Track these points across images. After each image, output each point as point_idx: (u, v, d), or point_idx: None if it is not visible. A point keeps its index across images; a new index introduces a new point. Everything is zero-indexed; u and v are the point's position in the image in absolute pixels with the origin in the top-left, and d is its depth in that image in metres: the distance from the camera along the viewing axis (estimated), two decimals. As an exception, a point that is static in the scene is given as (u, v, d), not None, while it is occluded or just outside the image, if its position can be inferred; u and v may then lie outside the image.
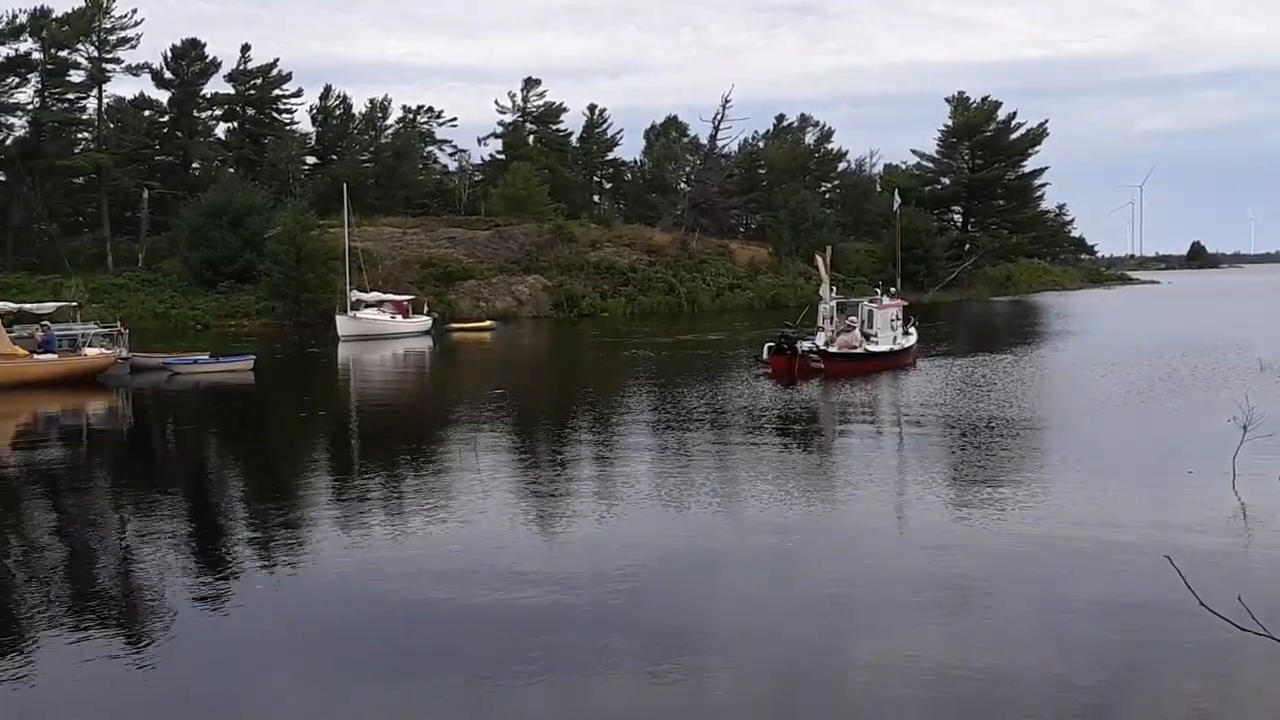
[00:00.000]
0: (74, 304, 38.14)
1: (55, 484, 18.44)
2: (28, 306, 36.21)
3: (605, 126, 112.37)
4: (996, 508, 14.64)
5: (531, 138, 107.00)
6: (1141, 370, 31.33)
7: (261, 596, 11.42)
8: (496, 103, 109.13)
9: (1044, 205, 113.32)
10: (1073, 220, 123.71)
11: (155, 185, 78.49)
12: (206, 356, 36.76)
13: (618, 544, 13.08)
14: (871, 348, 32.87)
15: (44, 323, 33.86)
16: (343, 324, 52.39)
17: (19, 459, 21.20)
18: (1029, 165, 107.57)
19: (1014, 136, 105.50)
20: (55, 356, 32.23)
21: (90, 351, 33.39)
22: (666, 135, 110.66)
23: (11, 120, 75.90)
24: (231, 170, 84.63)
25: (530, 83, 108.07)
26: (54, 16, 73.31)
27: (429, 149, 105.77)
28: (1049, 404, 25.81)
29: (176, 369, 35.14)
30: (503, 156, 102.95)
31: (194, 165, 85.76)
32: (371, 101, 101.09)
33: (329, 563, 12.56)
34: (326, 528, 14.22)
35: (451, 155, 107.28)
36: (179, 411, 29.67)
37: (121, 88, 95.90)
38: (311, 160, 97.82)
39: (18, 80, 74.51)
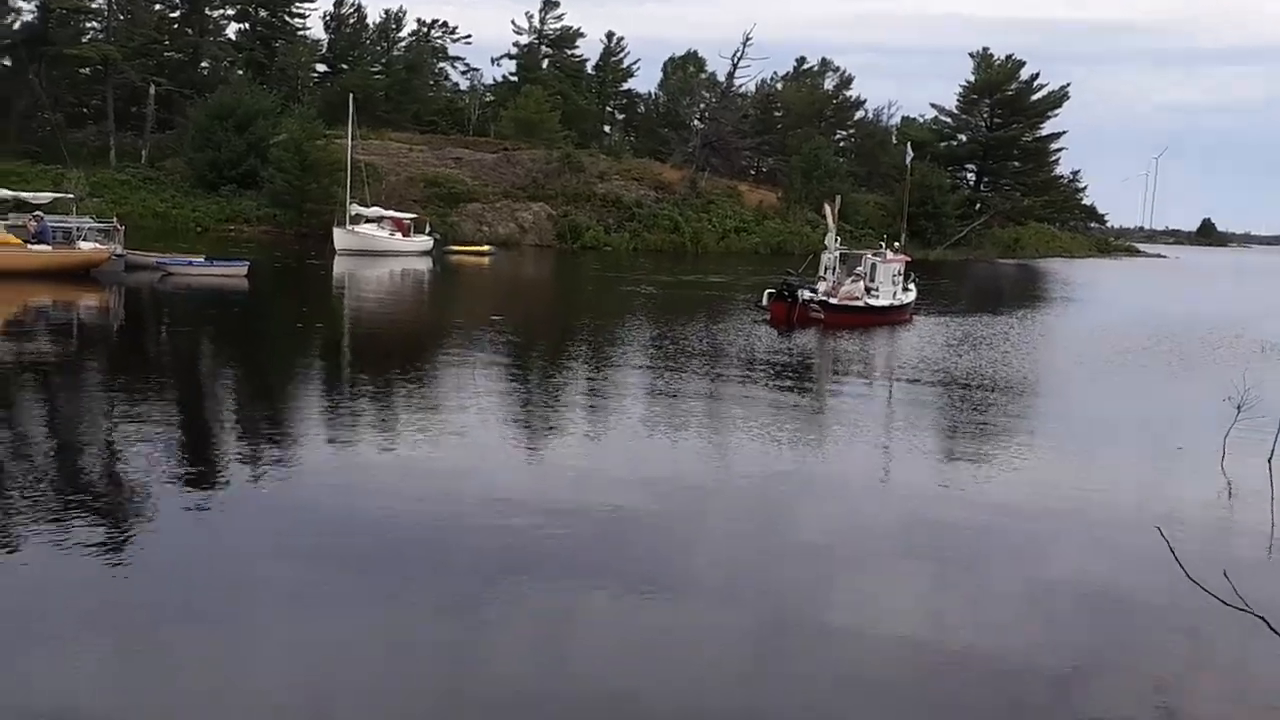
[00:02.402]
0: (71, 196, 37.66)
1: (42, 376, 18.34)
2: (24, 195, 35.71)
3: (622, 55, 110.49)
4: (983, 468, 14.63)
5: (546, 61, 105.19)
6: (1141, 343, 31.16)
7: (245, 500, 11.42)
8: (513, 22, 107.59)
9: (1058, 170, 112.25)
10: (1086, 187, 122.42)
11: (162, 82, 77.12)
12: (201, 259, 36.48)
13: (604, 475, 13.18)
14: (872, 301, 32.63)
15: (38, 213, 33.41)
16: (340, 237, 51.85)
17: (6, 349, 21.04)
18: (1047, 128, 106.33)
19: (1035, 98, 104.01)
20: (49, 248, 31.90)
21: (85, 245, 33.08)
22: (684, 70, 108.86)
23: (20, 4, 74.38)
24: (241, 72, 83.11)
25: (549, 4, 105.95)
26: (67, -98, 71.44)
27: (441, 65, 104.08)
28: (1044, 369, 25.69)
29: (170, 269, 34.87)
30: (515, 79, 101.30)
31: (203, 64, 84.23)
32: (386, 12, 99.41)
33: (315, 471, 12.60)
34: (314, 437, 14.26)
35: (464, 74, 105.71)
36: (171, 312, 29.50)
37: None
38: (322, 68, 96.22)
39: (28, -36, 72.81)
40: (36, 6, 73.78)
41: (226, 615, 8.35)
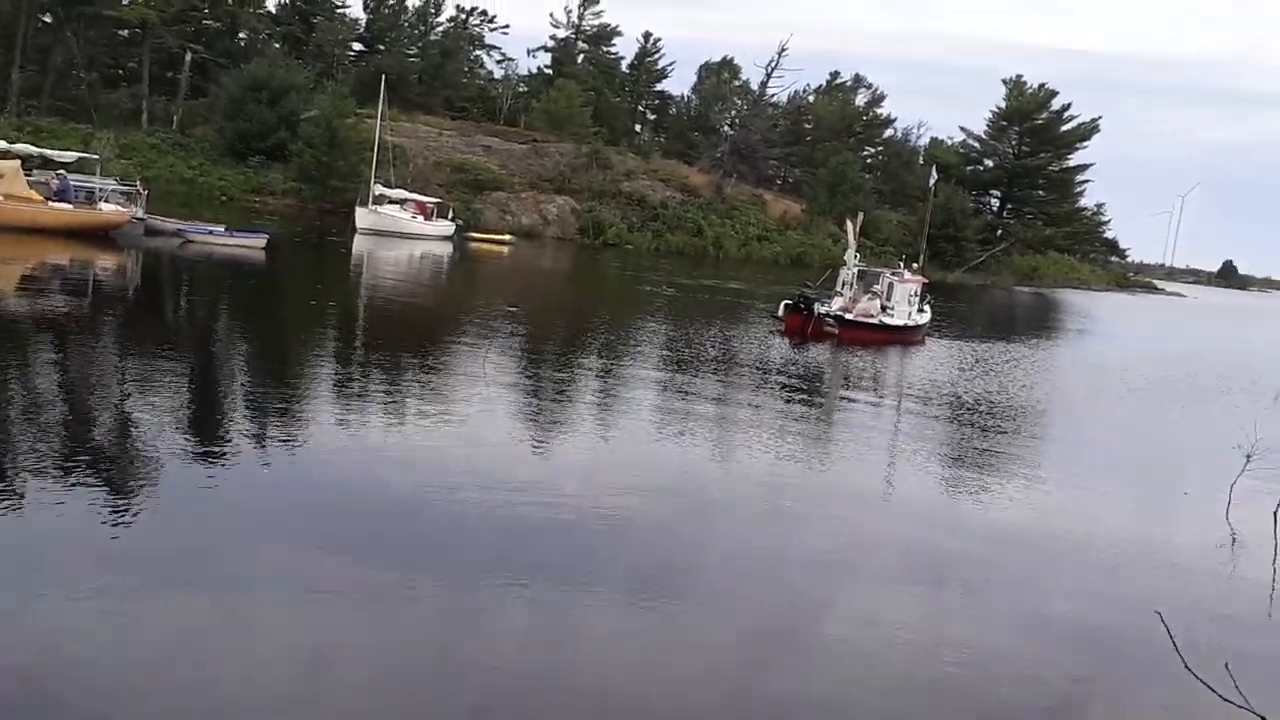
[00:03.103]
0: (96, 157, 37.81)
1: (54, 335, 18.44)
2: (50, 153, 35.84)
3: (658, 56, 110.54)
4: (987, 496, 14.56)
5: (581, 56, 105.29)
6: (1153, 382, 31.00)
7: (251, 470, 11.43)
8: (551, 15, 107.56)
9: (1083, 202, 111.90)
10: (1109, 220, 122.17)
11: (199, 49, 77.54)
12: (222, 229, 36.61)
13: (610, 475, 13.16)
14: (887, 320, 32.54)
15: (61, 171, 33.50)
16: (361, 216, 51.97)
17: (21, 305, 21.18)
18: (1075, 159, 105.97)
19: (1064, 128, 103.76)
20: (70, 207, 32.00)
21: (106, 207, 33.17)
22: (718, 75, 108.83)
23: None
24: (277, 45, 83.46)
25: (588, 0, 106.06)
26: None
27: (477, 52, 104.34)
28: (1055, 400, 25.55)
29: (191, 237, 35.01)
30: (550, 71, 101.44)
31: (240, 35, 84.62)
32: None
33: (323, 447, 12.61)
34: (324, 413, 14.32)
35: (499, 63, 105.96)
36: (186, 279, 29.62)
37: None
38: (358, 47, 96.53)
39: (73, -77, 73.15)
40: (80, -34, 74.16)
41: (214, 591, 8.34)
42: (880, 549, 11.64)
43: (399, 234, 52.46)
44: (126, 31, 78.40)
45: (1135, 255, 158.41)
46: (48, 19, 75.95)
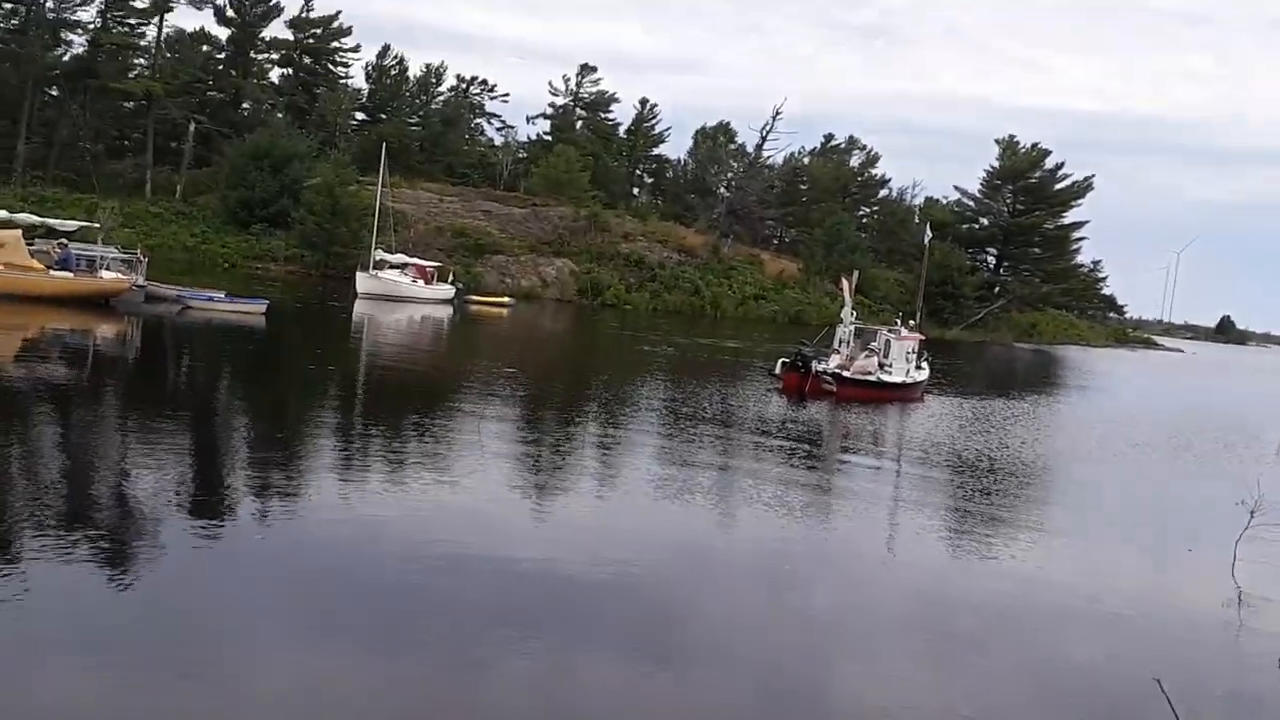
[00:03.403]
0: (97, 225, 38.22)
1: (54, 401, 18.46)
2: (51, 221, 36.35)
3: (654, 121, 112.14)
4: (990, 557, 14.42)
5: (580, 123, 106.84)
6: (1154, 438, 30.91)
7: (251, 535, 11.40)
8: (550, 84, 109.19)
9: (1079, 259, 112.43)
10: (1106, 277, 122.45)
11: (203, 120, 78.75)
12: (221, 295, 36.87)
13: (611, 536, 13.11)
14: (885, 377, 32.57)
15: (62, 240, 33.90)
16: (362, 281, 52.33)
17: (22, 372, 21.23)
18: (1070, 217, 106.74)
19: (1058, 186, 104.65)
20: (71, 275, 32.26)
21: (106, 274, 33.43)
22: (714, 139, 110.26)
23: (71, 37, 76.32)
24: (280, 115, 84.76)
25: (585, 69, 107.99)
26: (126, -61, 73.62)
27: (477, 120, 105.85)
28: (1056, 457, 25.46)
29: (190, 303, 35.21)
30: (549, 138, 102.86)
31: (244, 105, 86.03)
32: (427, 66, 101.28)
33: (323, 512, 12.58)
34: (323, 477, 14.31)
35: (499, 129, 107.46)
36: (187, 345, 29.71)
37: (183, 19, 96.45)
38: (361, 116, 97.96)
39: (82, -1, 74.85)
40: (87, 40, 75.70)
41: (218, 657, 8.29)
42: (882, 612, 11.52)
43: (399, 298, 52.77)
44: (132, 103, 79.69)
45: (1133, 311, 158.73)
46: (54, 92, 77.29)
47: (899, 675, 9.54)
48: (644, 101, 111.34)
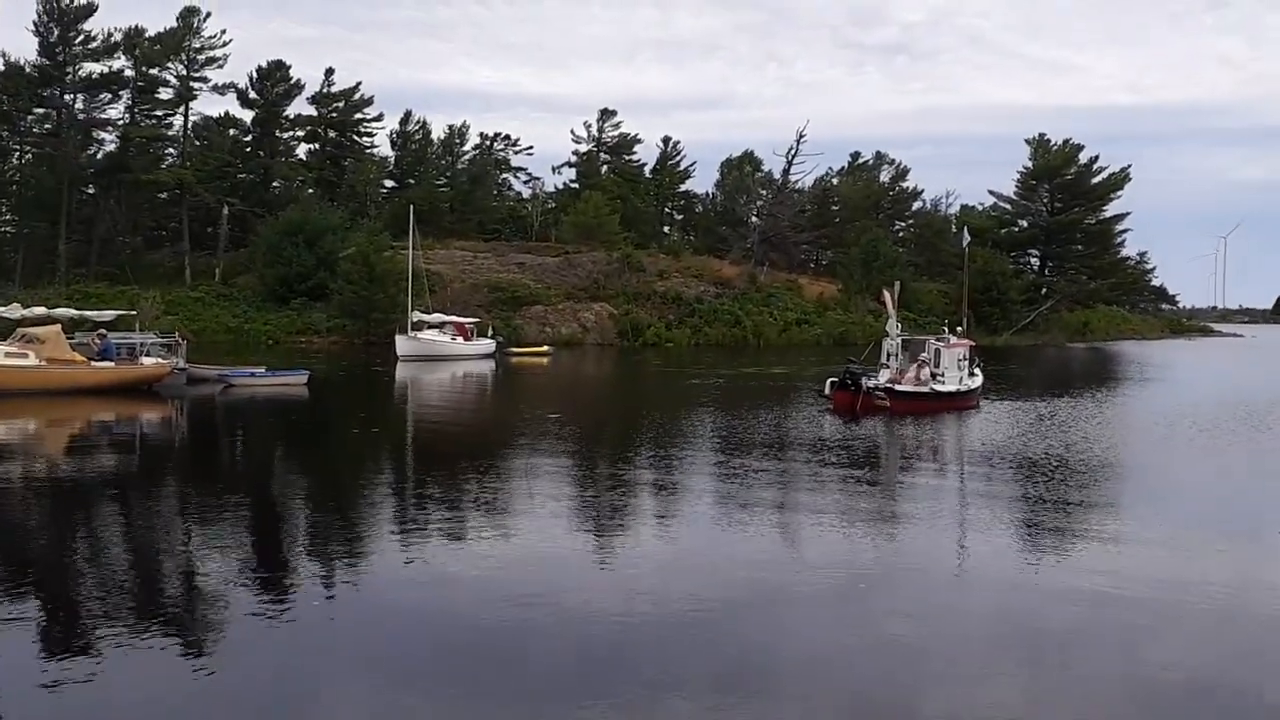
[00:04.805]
0: (134, 313, 38.67)
1: (108, 490, 18.37)
2: (89, 313, 36.87)
3: (679, 158, 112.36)
4: (1070, 561, 13.63)
5: (605, 167, 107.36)
6: (1225, 424, 29.70)
7: (318, 608, 11.15)
8: (572, 132, 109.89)
9: (1125, 252, 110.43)
10: (1154, 268, 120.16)
11: (235, 202, 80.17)
12: (262, 370, 37.08)
13: (680, 574, 12.57)
14: (938, 387, 31.72)
15: (101, 330, 34.27)
16: (402, 344, 52.49)
17: (73, 465, 21.25)
18: (1110, 210, 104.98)
19: (1095, 180, 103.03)
20: (112, 364, 32.54)
21: (147, 361, 33.70)
22: (740, 169, 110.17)
23: (103, 135, 78.32)
24: (311, 190, 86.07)
25: (606, 114, 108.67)
26: (147, 35, 75.58)
27: (504, 176, 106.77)
28: (1123, 454, 24.45)
29: (232, 381, 35.37)
30: (576, 185, 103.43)
31: (274, 184, 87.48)
32: (450, 127, 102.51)
33: (386, 578, 12.34)
34: (383, 543, 14.03)
35: (526, 182, 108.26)
36: (232, 422, 29.71)
37: (207, 106, 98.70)
38: (390, 183, 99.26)
39: (109, 97, 76.86)
40: (117, 136, 77.62)
41: None
42: (966, 629, 10.77)
43: (440, 356, 52.79)
44: (166, 193, 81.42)
45: (1185, 300, 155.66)
46: (90, 190, 79.21)
47: (993, 698, 8.84)
48: (666, 140, 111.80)
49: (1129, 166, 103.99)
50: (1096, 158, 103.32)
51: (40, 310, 34.83)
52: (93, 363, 32.10)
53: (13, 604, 10.99)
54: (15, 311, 33.64)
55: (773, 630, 10.60)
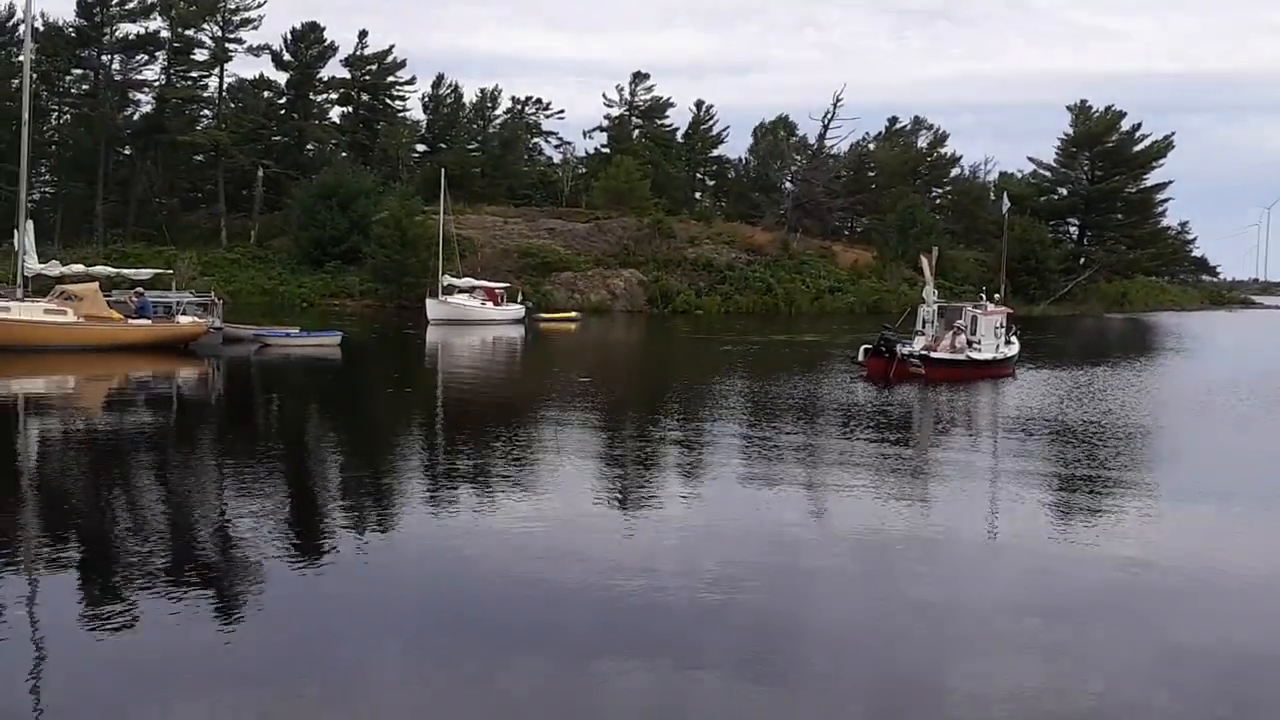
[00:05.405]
0: (171, 273, 39.05)
1: (146, 445, 18.59)
2: (126, 271, 37.37)
3: (711, 123, 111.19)
4: (1108, 532, 13.40)
5: (636, 132, 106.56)
6: (1265, 395, 29.16)
7: (353, 563, 11.17)
8: (604, 96, 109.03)
9: (1165, 222, 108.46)
10: (1195, 239, 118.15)
11: (270, 164, 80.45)
12: (297, 331, 37.39)
13: (709, 541, 12.42)
14: (974, 354, 31.37)
15: (139, 289, 34.61)
16: (432, 308, 52.66)
17: (111, 420, 21.52)
18: (1151, 179, 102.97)
19: (1137, 149, 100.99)
20: (149, 322, 32.88)
21: (183, 319, 34.02)
22: (774, 134, 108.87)
23: (139, 96, 78.78)
24: (344, 154, 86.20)
25: (638, 77, 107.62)
26: (182, -3, 75.73)
27: (535, 140, 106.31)
28: (1161, 422, 24.07)
29: (267, 341, 35.66)
30: (607, 150, 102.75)
31: (308, 147, 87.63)
32: (482, 91, 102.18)
33: (418, 534, 12.38)
34: (415, 500, 14.09)
35: (557, 147, 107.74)
36: (268, 382, 29.95)
37: (242, 68, 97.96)
38: (421, 148, 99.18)
39: (146, 58, 77.29)
40: (154, 98, 78.04)
41: (329, 685, 8.06)
42: (1002, 601, 10.53)
43: (471, 321, 52.90)
44: (201, 155, 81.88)
45: (1226, 272, 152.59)
46: (126, 151, 79.82)
47: (1027, 674, 8.69)
48: (700, 104, 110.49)
49: (1172, 135, 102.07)
50: (1139, 125, 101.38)
51: (79, 268, 35.21)
52: (129, 320, 32.45)
53: (56, 552, 11.16)
54: (54, 269, 34.05)
55: (804, 602, 10.42)
